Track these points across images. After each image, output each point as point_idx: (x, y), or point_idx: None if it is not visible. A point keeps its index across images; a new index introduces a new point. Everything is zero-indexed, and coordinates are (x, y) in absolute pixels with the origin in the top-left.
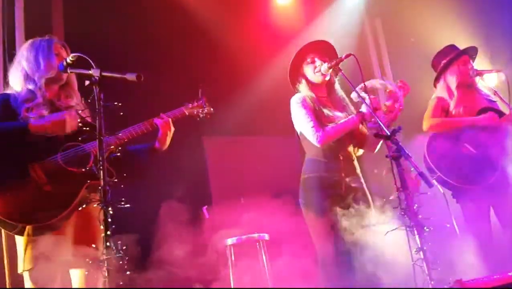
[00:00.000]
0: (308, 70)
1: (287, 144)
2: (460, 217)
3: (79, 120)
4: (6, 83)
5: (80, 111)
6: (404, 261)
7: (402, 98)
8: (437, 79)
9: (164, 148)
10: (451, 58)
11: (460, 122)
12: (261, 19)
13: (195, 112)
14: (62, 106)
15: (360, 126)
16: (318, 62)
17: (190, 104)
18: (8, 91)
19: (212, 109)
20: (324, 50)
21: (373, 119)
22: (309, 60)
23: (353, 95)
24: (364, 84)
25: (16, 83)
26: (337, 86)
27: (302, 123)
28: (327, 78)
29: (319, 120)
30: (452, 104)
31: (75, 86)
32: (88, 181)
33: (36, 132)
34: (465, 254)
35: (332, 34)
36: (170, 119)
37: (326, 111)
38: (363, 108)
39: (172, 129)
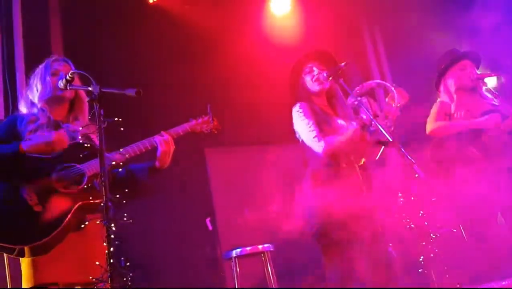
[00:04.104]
0: (307, 80)
1: (288, 152)
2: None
3: (80, 137)
4: (14, 107)
5: (80, 128)
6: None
7: (400, 103)
8: (437, 84)
9: (165, 167)
10: (449, 62)
11: (462, 125)
12: (259, 31)
13: (198, 129)
14: (68, 129)
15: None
16: (316, 71)
17: (195, 121)
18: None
19: (218, 124)
20: (322, 59)
21: (373, 123)
22: (307, 69)
23: (350, 100)
24: (361, 86)
25: (24, 110)
26: (338, 93)
27: (304, 132)
28: (326, 86)
29: (321, 129)
30: (453, 108)
31: (84, 105)
32: (81, 202)
33: (28, 153)
34: (473, 259)
35: (331, 42)
36: (170, 137)
37: (328, 119)
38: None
39: (173, 147)
